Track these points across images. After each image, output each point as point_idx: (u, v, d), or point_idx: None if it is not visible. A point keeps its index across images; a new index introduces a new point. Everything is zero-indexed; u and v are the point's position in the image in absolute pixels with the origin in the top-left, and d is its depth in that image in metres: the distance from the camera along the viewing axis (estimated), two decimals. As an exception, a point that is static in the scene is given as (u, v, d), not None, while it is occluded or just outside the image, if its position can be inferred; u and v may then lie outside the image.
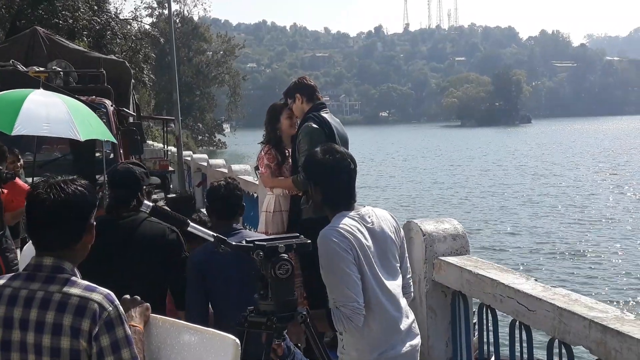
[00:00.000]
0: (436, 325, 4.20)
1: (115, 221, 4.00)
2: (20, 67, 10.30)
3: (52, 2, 25.05)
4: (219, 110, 75.55)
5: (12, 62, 10.44)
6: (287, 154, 5.98)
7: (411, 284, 3.52)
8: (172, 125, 24.92)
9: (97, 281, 2.36)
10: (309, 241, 2.93)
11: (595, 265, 18.65)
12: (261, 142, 6.12)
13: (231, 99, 70.24)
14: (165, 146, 24.67)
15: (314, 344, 2.97)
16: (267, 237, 3.41)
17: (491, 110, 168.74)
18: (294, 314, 2.86)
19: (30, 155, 8.32)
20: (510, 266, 4.24)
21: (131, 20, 43.14)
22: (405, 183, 41.67)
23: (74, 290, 2.27)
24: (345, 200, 3.32)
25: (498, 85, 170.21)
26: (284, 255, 2.78)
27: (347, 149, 4.57)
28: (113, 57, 15.82)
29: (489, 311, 3.73)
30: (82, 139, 6.78)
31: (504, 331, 3.64)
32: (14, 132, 6.27)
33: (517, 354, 3.47)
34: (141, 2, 59.40)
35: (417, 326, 3.38)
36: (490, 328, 3.75)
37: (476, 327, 4.05)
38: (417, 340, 3.33)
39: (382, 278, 3.21)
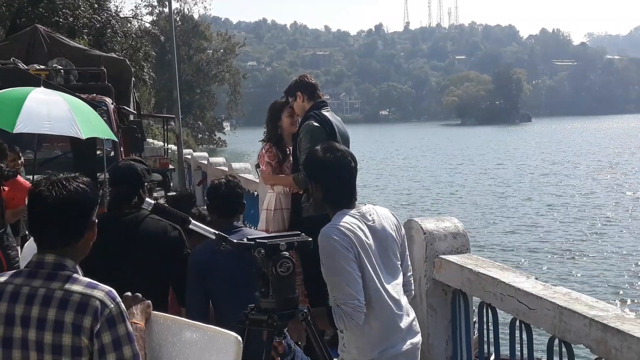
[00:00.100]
0: (436, 323, 4.20)
1: (117, 218, 4.00)
2: (21, 65, 10.30)
3: (53, 0, 25.03)
4: (219, 109, 75.55)
5: (13, 60, 10.45)
6: (288, 152, 5.98)
7: (412, 281, 3.52)
8: (173, 123, 24.93)
9: (99, 278, 2.36)
10: (310, 239, 2.93)
11: (596, 264, 18.65)
12: (262, 140, 6.12)
13: (231, 97, 70.28)
14: (166, 144, 24.69)
15: (315, 342, 2.97)
16: (268, 234, 3.41)
17: (491, 108, 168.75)
18: (295, 311, 2.87)
19: (31, 153, 8.32)
20: (511, 265, 4.24)
21: (131, 19, 43.10)
22: (405, 182, 41.66)
23: (76, 288, 2.27)
24: (346, 198, 3.33)
25: (498, 83, 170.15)
26: (285, 253, 2.79)
27: (348, 147, 4.58)
28: (113, 55, 15.83)
29: (489, 310, 3.73)
30: (83, 136, 6.79)
31: (504, 330, 3.65)
32: (16, 130, 6.28)
33: (518, 352, 3.47)
34: (141, 0, 59.49)
35: (417, 324, 3.38)
36: (491, 327, 3.75)
37: (476, 325, 4.05)
38: (417, 338, 3.34)
39: (383, 276, 3.21)
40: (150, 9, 60.46)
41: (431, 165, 52.84)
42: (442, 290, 4.20)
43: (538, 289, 3.27)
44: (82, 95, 8.75)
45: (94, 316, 2.22)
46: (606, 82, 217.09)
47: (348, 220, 3.20)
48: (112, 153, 9.86)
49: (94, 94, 10.17)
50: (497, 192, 34.74)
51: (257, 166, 6.15)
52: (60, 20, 24.56)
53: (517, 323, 3.42)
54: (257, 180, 8.94)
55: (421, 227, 4.20)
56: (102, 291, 2.28)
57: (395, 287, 3.26)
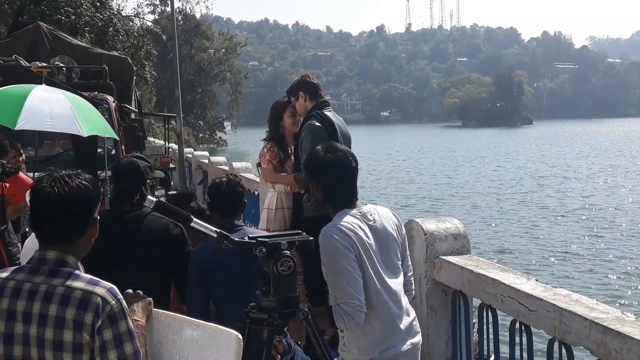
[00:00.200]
0: (436, 324, 4.20)
1: (119, 216, 4.00)
2: (23, 63, 10.31)
3: (55, -3, 25.07)
4: (220, 108, 75.54)
5: (15, 57, 10.45)
6: (289, 152, 5.99)
7: (412, 281, 3.52)
8: (174, 122, 24.93)
9: (101, 275, 2.36)
10: (311, 238, 2.94)
11: (596, 267, 18.65)
12: (264, 140, 6.13)
13: (232, 96, 70.26)
14: (167, 143, 24.68)
15: (315, 341, 2.97)
16: (270, 233, 3.41)
17: (492, 111, 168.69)
18: (296, 310, 2.87)
19: (32, 150, 8.33)
20: (511, 266, 4.23)
21: (133, 17, 43.11)
22: (405, 183, 41.66)
23: (77, 284, 2.27)
24: (347, 198, 3.33)
25: (500, 86, 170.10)
26: (286, 252, 2.79)
27: (350, 148, 4.58)
28: (115, 53, 15.84)
29: (489, 311, 3.73)
30: (85, 134, 6.80)
31: (504, 331, 3.65)
32: (18, 127, 6.29)
33: (517, 354, 3.47)
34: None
35: (418, 324, 3.39)
36: (491, 328, 3.75)
37: (476, 326, 4.05)
38: (418, 338, 3.34)
39: (384, 276, 3.22)
40: (152, 7, 60.45)
41: (432, 167, 52.85)
42: (442, 291, 4.20)
43: (538, 291, 3.27)
44: (84, 93, 8.76)
45: (96, 313, 2.22)
46: (607, 86, 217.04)
47: (349, 220, 3.20)
48: (113, 151, 9.87)
49: (96, 92, 10.19)
50: (497, 194, 34.74)
51: (259, 165, 6.15)
52: (62, 18, 24.57)
53: (517, 324, 3.42)
54: (258, 180, 8.94)
55: (422, 228, 4.20)
56: (104, 288, 2.28)
57: (396, 287, 3.26)
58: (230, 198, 4.09)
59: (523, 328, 3.39)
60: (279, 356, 2.97)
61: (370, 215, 3.30)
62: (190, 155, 20.18)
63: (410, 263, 3.52)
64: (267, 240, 2.81)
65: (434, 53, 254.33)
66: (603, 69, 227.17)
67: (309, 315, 2.93)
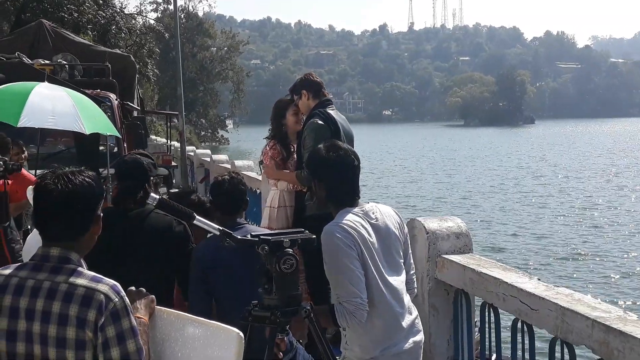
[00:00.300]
0: (438, 323, 4.20)
1: (122, 213, 4.00)
2: (26, 60, 10.32)
3: (58, -6, 25.08)
4: (222, 106, 75.61)
5: (18, 54, 10.47)
6: (292, 150, 5.98)
7: (415, 280, 3.53)
8: (176, 120, 24.94)
9: (104, 272, 2.37)
10: (314, 236, 2.94)
11: (598, 266, 18.64)
12: (267, 138, 6.12)
13: (235, 95, 70.29)
14: (169, 141, 24.70)
15: (317, 339, 2.97)
16: (272, 231, 3.41)
17: (495, 110, 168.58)
18: (298, 308, 2.87)
19: (35, 147, 8.33)
20: (513, 265, 4.23)
21: (136, 15, 43.12)
22: (407, 182, 41.64)
23: (81, 281, 2.28)
24: (349, 196, 3.33)
25: (502, 85, 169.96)
26: (288, 250, 2.79)
27: (353, 146, 4.58)
28: (118, 51, 15.84)
29: (491, 310, 3.73)
30: (87, 132, 6.81)
31: (506, 330, 3.65)
32: (20, 124, 6.31)
33: (519, 353, 3.47)
34: (146, -3, 59.39)
35: (420, 322, 3.39)
36: (493, 327, 3.75)
37: (478, 325, 4.05)
38: (420, 337, 3.34)
39: (386, 274, 3.22)
40: (155, 5, 60.56)
41: (433, 166, 52.83)
42: (444, 290, 4.20)
43: (540, 290, 3.27)
44: (87, 91, 8.77)
45: (99, 310, 2.22)
46: (610, 85, 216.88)
47: (351, 219, 3.20)
48: (116, 149, 9.86)
49: (99, 90, 10.19)
50: (499, 193, 34.73)
51: (261, 163, 6.16)
52: (65, 15, 24.60)
53: (519, 323, 3.42)
54: (260, 178, 8.94)
55: (424, 227, 4.19)
56: (107, 285, 2.29)
57: (398, 285, 3.26)
58: (233, 196, 4.08)
59: (525, 327, 3.39)
60: (281, 354, 2.97)
61: (373, 213, 3.30)
62: (192, 154, 20.20)
63: (412, 261, 3.52)
64: (270, 238, 2.81)
65: (436, 52, 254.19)
66: (606, 68, 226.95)
67: (311, 314, 2.93)
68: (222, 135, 71.64)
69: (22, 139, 7.62)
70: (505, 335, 3.66)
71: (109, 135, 8.57)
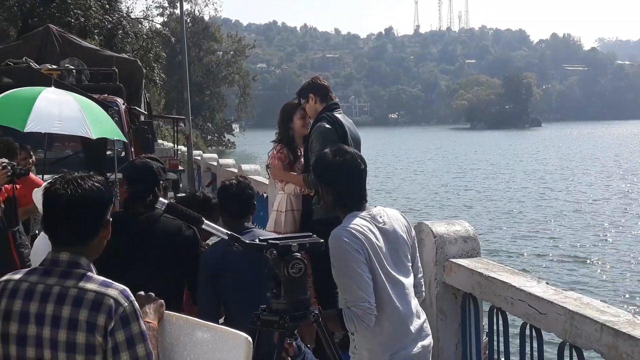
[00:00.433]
0: (446, 327, 4.20)
1: (132, 217, 4.02)
2: (33, 65, 10.34)
3: (64, 0, 25.13)
4: (228, 110, 75.72)
5: (25, 59, 10.49)
6: (299, 154, 5.98)
7: (422, 283, 3.52)
8: (182, 124, 24.95)
9: (113, 277, 2.38)
10: (322, 240, 2.94)
11: (606, 270, 18.58)
12: (274, 141, 6.12)
13: (241, 99, 70.38)
14: (175, 145, 24.71)
15: (326, 344, 2.97)
16: (280, 236, 3.41)
17: (501, 113, 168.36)
18: (307, 313, 2.87)
19: (42, 152, 8.35)
20: (520, 269, 4.22)
21: (142, 20, 43.23)
22: (413, 185, 41.60)
23: (90, 286, 2.29)
24: (356, 200, 3.33)
25: (508, 88, 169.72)
26: (297, 254, 2.79)
27: (360, 150, 4.58)
28: (125, 55, 15.87)
29: (499, 314, 3.73)
30: (93, 136, 6.82)
31: (514, 334, 3.64)
32: (27, 129, 6.32)
33: (528, 357, 3.47)
34: (152, 2, 59.66)
35: (429, 326, 3.38)
36: (501, 331, 3.75)
37: (486, 329, 4.05)
38: (428, 341, 3.33)
39: (394, 278, 3.21)
40: (161, 10, 60.72)
41: (440, 169, 52.75)
42: (452, 294, 4.20)
43: (549, 294, 3.26)
44: (94, 96, 8.78)
45: (108, 314, 2.23)
46: (617, 88, 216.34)
47: (358, 223, 3.20)
48: (123, 153, 9.87)
49: (106, 95, 10.20)
50: (506, 197, 34.65)
51: (268, 167, 6.16)
52: (72, 20, 24.65)
53: (528, 328, 3.41)
54: (267, 182, 8.95)
55: (431, 231, 4.19)
56: (116, 290, 2.29)
57: (406, 289, 3.26)
58: (240, 200, 4.08)
59: (533, 331, 3.38)
60: (289, 359, 2.97)
61: (380, 217, 3.30)
62: (199, 158, 20.24)
63: (420, 265, 3.52)
64: (278, 242, 2.82)
65: (442, 55, 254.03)
66: (612, 70, 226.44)
67: (320, 318, 2.93)
68: (228, 139, 71.73)
69: (29, 144, 7.63)
70: (514, 339, 3.66)
71: (116, 140, 8.58)
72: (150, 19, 48.90)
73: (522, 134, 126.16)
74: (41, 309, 2.26)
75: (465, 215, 27.47)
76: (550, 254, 20.56)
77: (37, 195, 4.47)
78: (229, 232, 2.88)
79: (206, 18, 68.88)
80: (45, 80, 8.03)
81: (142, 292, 2.57)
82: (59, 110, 6.61)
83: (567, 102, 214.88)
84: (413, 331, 3.24)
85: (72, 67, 11.01)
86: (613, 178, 43.42)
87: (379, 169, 49.17)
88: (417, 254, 3.49)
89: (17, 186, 5.91)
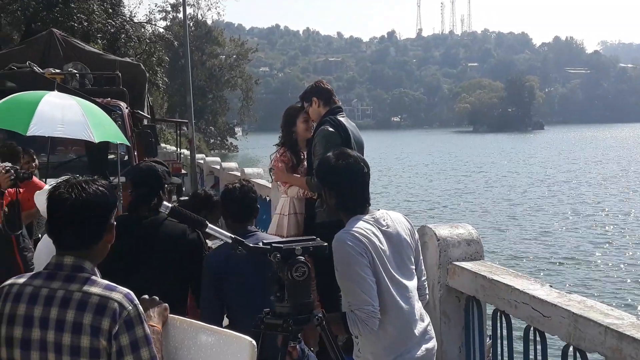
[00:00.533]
0: (449, 330, 4.20)
1: (136, 221, 4.02)
2: (37, 69, 10.36)
3: (67, 4, 25.20)
4: (231, 114, 75.78)
5: (29, 63, 10.51)
6: (302, 157, 5.98)
7: (426, 286, 3.52)
8: (185, 128, 24.98)
9: (117, 281, 2.38)
10: (326, 244, 2.94)
11: (610, 272, 18.53)
12: (277, 145, 6.13)
13: (243, 102, 70.42)
14: (178, 149, 24.75)
15: (330, 347, 2.97)
16: (284, 239, 3.41)
17: (504, 116, 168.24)
18: (310, 316, 2.87)
19: (45, 156, 8.36)
20: (524, 272, 4.21)
21: (145, 24, 43.29)
22: (416, 188, 41.57)
23: (94, 290, 2.29)
24: (359, 204, 3.33)
25: (511, 91, 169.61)
26: (300, 257, 2.79)
27: (363, 154, 4.58)
28: (128, 59, 15.89)
29: (502, 317, 3.72)
30: (96, 140, 6.83)
31: (518, 337, 3.64)
32: (29, 133, 6.34)
33: (531, 360, 3.46)
34: (155, 6, 59.74)
35: (432, 329, 3.38)
36: (504, 334, 3.74)
37: (490, 332, 4.04)
38: (432, 344, 3.33)
39: (398, 281, 3.21)
40: (164, 14, 60.78)
41: (442, 172, 52.71)
42: (455, 297, 4.20)
43: (553, 297, 3.26)
44: (97, 99, 8.80)
45: (113, 318, 2.23)
46: (619, 91, 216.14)
47: (362, 226, 3.20)
48: (126, 157, 9.88)
49: (109, 98, 10.22)
50: (509, 200, 34.60)
51: (271, 170, 6.16)
52: (75, 24, 24.72)
53: (531, 331, 3.41)
54: (270, 185, 8.95)
55: (435, 234, 4.20)
56: (121, 293, 2.30)
57: (409, 292, 3.26)
58: (244, 203, 4.08)
59: (537, 334, 3.38)
60: (293, 362, 2.97)
61: (383, 220, 3.30)
62: (201, 161, 20.26)
63: (423, 268, 3.52)
64: (282, 245, 2.82)
65: (444, 58, 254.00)
66: (615, 73, 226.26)
67: (324, 321, 2.93)
68: (231, 143, 71.79)
69: (33, 148, 7.65)
70: (517, 342, 3.65)
71: (119, 143, 8.60)
72: (153, 23, 48.88)
73: (524, 137, 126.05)
74: (45, 313, 2.27)
75: (468, 218, 27.43)
76: (554, 257, 20.52)
77: (39, 198, 4.48)
78: (233, 236, 2.88)
79: (209, 22, 69.05)
80: (48, 85, 8.05)
81: (146, 296, 2.57)
82: (62, 114, 6.63)
83: (569, 105, 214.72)
84: (417, 334, 3.24)
85: (76, 71, 11.02)
86: (616, 181, 43.37)
87: (381, 172, 49.11)
88: (421, 257, 3.49)
89: (20, 190, 5.92)
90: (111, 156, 9.72)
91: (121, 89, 10.97)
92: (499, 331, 3.78)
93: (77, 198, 2.33)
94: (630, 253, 21.01)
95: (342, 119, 5.57)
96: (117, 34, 28.87)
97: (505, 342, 3.75)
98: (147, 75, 14.67)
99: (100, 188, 2.39)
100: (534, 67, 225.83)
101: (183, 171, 20.04)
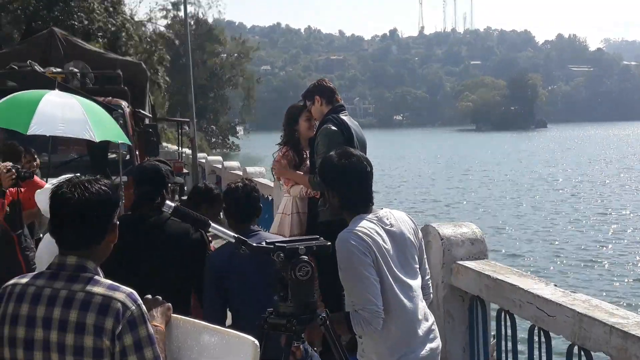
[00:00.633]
0: (453, 330, 4.19)
1: (140, 220, 4.02)
2: (38, 68, 10.36)
3: (68, 3, 25.23)
4: (232, 113, 75.80)
5: (30, 62, 10.51)
6: (304, 156, 5.97)
7: (430, 285, 3.51)
8: (187, 127, 24.97)
9: (120, 280, 2.38)
10: (329, 243, 2.93)
11: (615, 272, 18.50)
12: (279, 144, 6.12)
13: (245, 101, 70.44)
14: (180, 148, 24.75)
15: (333, 347, 2.96)
16: (287, 238, 3.40)
17: (506, 114, 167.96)
18: (314, 316, 2.86)
19: (46, 155, 8.35)
20: (528, 272, 4.20)
21: (146, 22, 43.35)
22: (419, 187, 41.57)
23: (98, 289, 2.29)
24: (362, 203, 3.32)
25: (514, 89, 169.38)
26: (304, 257, 2.77)
27: (365, 152, 4.56)
28: (129, 58, 15.89)
29: (507, 316, 3.71)
30: (97, 139, 6.83)
31: (522, 337, 3.62)
32: (29, 132, 6.34)
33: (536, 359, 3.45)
34: (156, 4, 59.76)
35: (437, 329, 3.37)
36: (509, 334, 3.73)
37: (494, 332, 4.03)
38: (437, 343, 3.32)
39: (401, 280, 3.20)
40: (165, 12, 60.74)
41: (446, 171, 52.69)
42: (459, 296, 4.18)
43: (557, 296, 3.25)
44: (98, 98, 8.79)
45: (116, 318, 2.23)
46: (623, 89, 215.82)
47: (365, 225, 3.19)
48: (128, 156, 9.88)
49: (110, 97, 10.22)
50: (512, 198, 34.59)
51: (273, 169, 6.15)
52: (76, 23, 24.74)
53: (536, 330, 3.39)
54: (272, 185, 8.94)
55: (438, 233, 4.18)
56: (124, 293, 2.29)
57: (414, 292, 3.25)
58: (246, 203, 4.07)
59: (542, 334, 3.36)
60: (296, 361, 2.95)
61: (387, 219, 3.28)
62: (203, 160, 20.25)
63: (427, 267, 3.51)
64: (285, 245, 2.81)
65: (447, 56, 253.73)
66: (618, 71, 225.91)
67: (327, 321, 2.92)
68: (232, 142, 71.82)
69: (34, 147, 7.65)
70: (522, 342, 3.63)
71: (121, 142, 8.59)
72: (154, 21, 48.99)
73: (527, 135, 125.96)
74: (48, 313, 2.26)
75: (472, 217, 27.39)
76: (559, 256, 20.49)
77: (40, 197, 4.47)
78: (236, 235, 2.87)
79: (210, 20, 68.95)
80: (49, 84, 8.04)
81: (149, 296, 2.57)
82: (62, 113, 6.63)
83: (573, 103, 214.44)
84: (421, 334, 3.23)
85: (77, 70, 11.03)
86: (620, 179, 43.33)
87: (384, 171, 49.11)
88: (425, 256, 3.48)
89: (22, 189, 5.92)
90: (112, 155, 9.71)
91: (122, 88, 10.98)
92: (503, 331, 3.77)
93: (80, 197, 2.32)
94: (636, 252, 20.97)
95: (345, 117, 5.56)
96: (118, 32, 28.90)
97: (509, 342, 3.73)
98: (148, 74, 14.67)
99: (103, 187, 2.39)
100: (537, 65, 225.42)
101: (185, 170, 20.04)
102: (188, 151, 24.26)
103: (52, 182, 3.76)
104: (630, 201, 32.57)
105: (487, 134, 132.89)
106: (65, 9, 25.05)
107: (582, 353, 3.06)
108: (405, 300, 3.18)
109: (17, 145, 6.84)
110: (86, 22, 25.74)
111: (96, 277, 2.34)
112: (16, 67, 10.44)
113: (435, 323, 3.36)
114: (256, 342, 2.43)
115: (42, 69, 10.41)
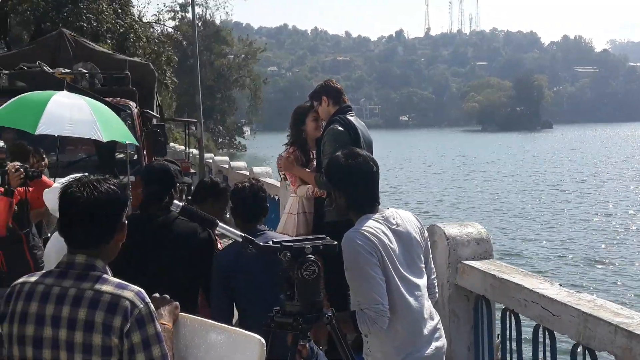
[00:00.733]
0: (458, 329, 4.20)
1: (148, 220, 4.04)
2: (47, 69, 10.40)
3: (77, 4, 25.28)
4: (239, 113, 75.82)
5: (39, 63, 10.54)
6: (311, 156, 5.98)
7: (436, 284, 3.52)
8: (194, 127, 25.01)
9: (129, 279, 2.40)
10: (335, 243, 2.94)
11: (620, 272, 18.47)
12: (286, 144, 6.13)
13: (252, 102, 70.44)
14: (187, 148, 24.80)
15: (340, 346, 2.98)
16: (294, 238, 3.41)
17: (512, 115, 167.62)
18: (320, 315, 2.88)
19: (55, 155, 8.39)
20: (533, 271, 4.21)
21: (154, 23, 43.37)
22: (425, 187, 41.53)
23: (106, 288, 2.30)
24: (368, 203, 3.34)
25: (519, 90, 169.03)
26: (310, 256, 2.79)
27: (372, 153, 4.58)
28: (137, 59, 15.92)
29: (512, 316, 3.72)
30: (104, 139, 6.86)
31: (527, 336, 3.63)
32: (38, 132, 6.38)
33: (541, 359, 3.46)
34: (164, 6, 59.75)
35: (442, 328, 3.38)
36: (514, 333, 3.74)
37: (499, 331, 4.04)
38: (442, 342, 3.33)
39: (407, 280, 3.22)
40: (173, 14, 60.75)
41: (452, 171, 52.61)
42: (464, 296, 4.19)
43: (562, 296, 3.26)
44: (107, 99, 8.81)
45: (124, 316, 2.25)
46: (629, 90, 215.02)
47: (372, 225, 3.21)
48: (135, 156, 9.91)
49: (119, 98, 10.24)
50: (518, 199, 34.52)
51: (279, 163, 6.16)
52: (84, 24, 24.79)
53: (541, 330, 3.41)
54: (279, 185, 8.96)
55: (444, 233, 4.19)
56: (132, 291, 2.31)
57: (419, 291, 3.26)
58: (253, 203, 4.09)
59: (547, 333, 3.38)
60: (303, 360, 2.97)
61: (393, 219, 3.30)
62: (210, 160, 20.29)
63: (433, 266, 3.52)
64: (292, 244, 2.82)
65: (453, 57, 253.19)
66: (624, 72, 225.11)
67: (333, 320, 2.94)
68: (239, 142, 71.82)
69: (42, 147, 7.68)
70: (527, 341, 3.65)
71: (128, 143, 8.62)
72: (162, 22, 48.96)
73: (533, 136, 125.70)
74: (57, 311, 2.28)
75: (477, 217, 27.36)
76: (564, 256, 20.47)
77: (48, 196, 4.50)
78: (243, 234, 2.89)
79: (217, 22, 68.94)
80: (58, 84, 8.07)
81: (157, 294, 2.59)
82: (70, 113, 6.66)
83: (578, 104, 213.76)
84: (426, 333, 3.24)
85: (85, 71, 11.05)
86: (626, 179, 43.20)
87: (390, 171, 49.06)
88: (430, 256, 3.49)
89: (30, 189, 5.96)
90: (120, 155, 9.74)
91: (131, 89, 11.00)
92: (507, 330, 3.78)
93: (89, 197, 2.34)
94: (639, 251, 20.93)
95: (352, 118, 5.57)
96: (126, 33, 28.92)
97: (514, 342, 3.74)
98: (156, 74, 14.69)
99: (112, 187, 2.41)
100: (543, 66, 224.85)
101: (192, 170, 20.08)
102: (195, 151, 24.31)
103: (60, 181, 3.79)
104: (635, 202, 32.48)
105: (493, 135, 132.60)
106: (74, 10, 25.09)
107: (587, 352, 3.07)
108: (411, 300, 3.20)
109: (26, 145, 6.88)
110: (95, 24, 25.78)
111: (105, 275, 2.36)
112: (25, 68, 10.48)
113: (440, 322, 3.38)
114: (263, 340, 2.44)
115: (51, 70, 10.44)
